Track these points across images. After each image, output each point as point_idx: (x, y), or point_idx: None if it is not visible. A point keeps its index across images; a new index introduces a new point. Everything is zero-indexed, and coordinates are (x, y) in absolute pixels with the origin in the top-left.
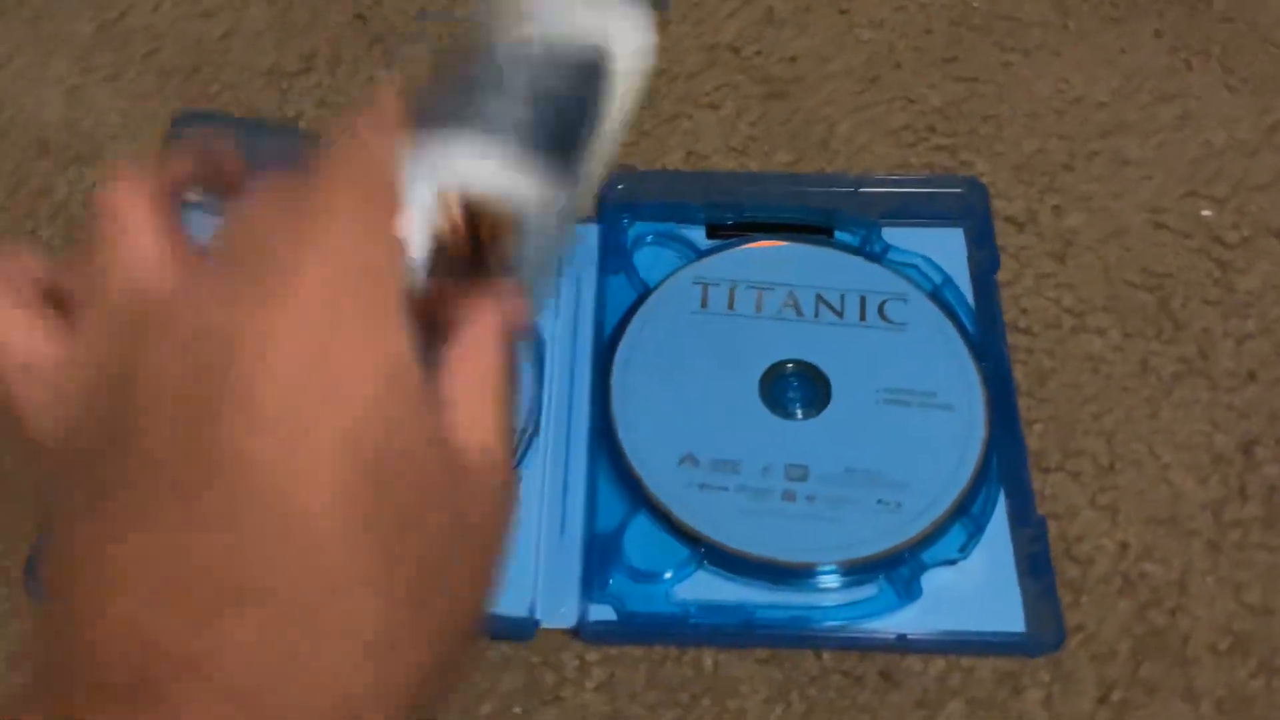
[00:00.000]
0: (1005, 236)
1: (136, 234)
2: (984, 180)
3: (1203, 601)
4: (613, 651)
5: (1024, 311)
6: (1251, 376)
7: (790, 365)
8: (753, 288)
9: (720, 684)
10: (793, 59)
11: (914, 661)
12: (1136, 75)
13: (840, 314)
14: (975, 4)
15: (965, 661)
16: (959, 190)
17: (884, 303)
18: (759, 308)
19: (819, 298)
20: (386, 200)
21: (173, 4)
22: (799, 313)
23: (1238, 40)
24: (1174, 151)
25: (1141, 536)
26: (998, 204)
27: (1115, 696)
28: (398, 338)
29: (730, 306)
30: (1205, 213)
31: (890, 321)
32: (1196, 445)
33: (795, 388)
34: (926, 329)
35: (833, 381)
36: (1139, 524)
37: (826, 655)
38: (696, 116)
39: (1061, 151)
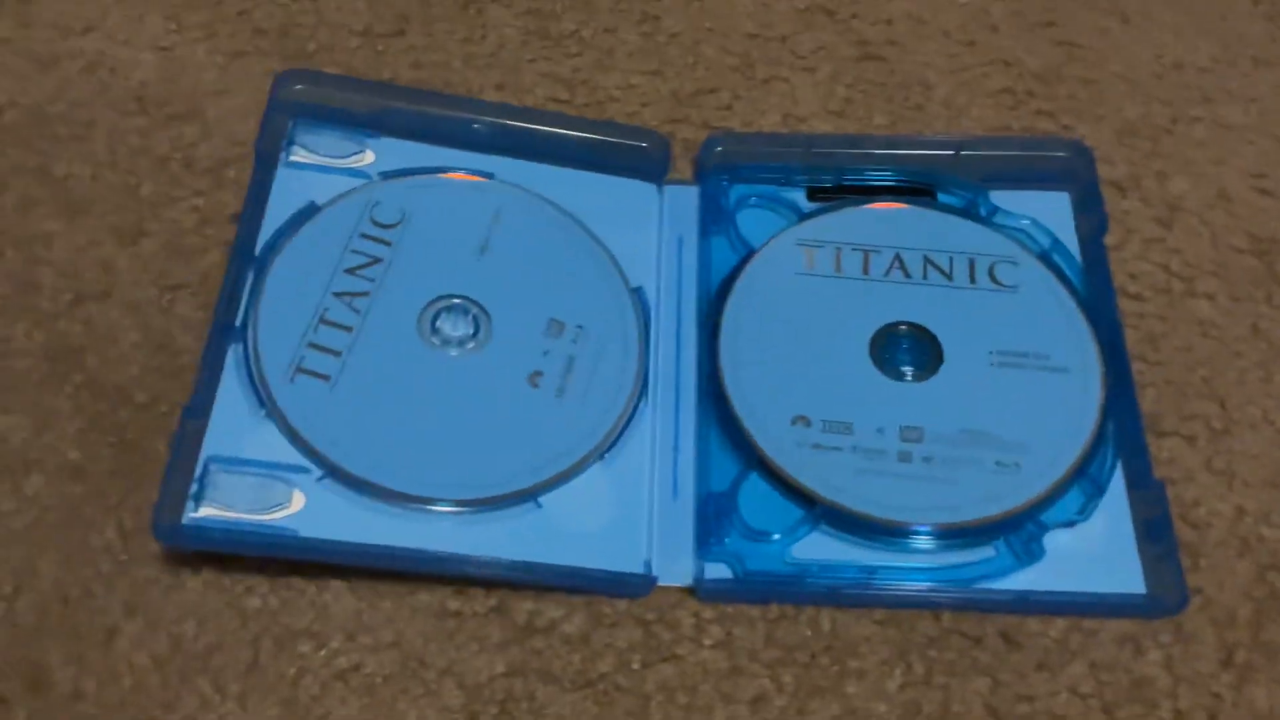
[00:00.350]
0: (1110, 202)
1: None
2: (1086, 144)
3: None
4: (729, 610)
5: (1132, 276)
6: None
7: (902, 327)
8: (858, 250)
9: (839, 644)
10: (888, 21)
11: (1034, 623)
12: (1235, 42)
13: (949, 276)
14: None
15: (1087, 623)
16: (1064, 154)
17: (993, 265)
18: (865, 270)
19: (926, 260)
20: None
21: None
22: (906, 275)
23: None
24: (1275, 118)
25: (1258, 499)
26: (1101, 169)
27: (1238, 658)
28: None
29: (837, 269)
30: None
31: (1000, 284)
32: None
33: (906, 349)
34: (1037, 291)
35: (944, 344)
36: (1255, 487)
37: (945, 617)
38: (792, 79)
39: (1163, 117)
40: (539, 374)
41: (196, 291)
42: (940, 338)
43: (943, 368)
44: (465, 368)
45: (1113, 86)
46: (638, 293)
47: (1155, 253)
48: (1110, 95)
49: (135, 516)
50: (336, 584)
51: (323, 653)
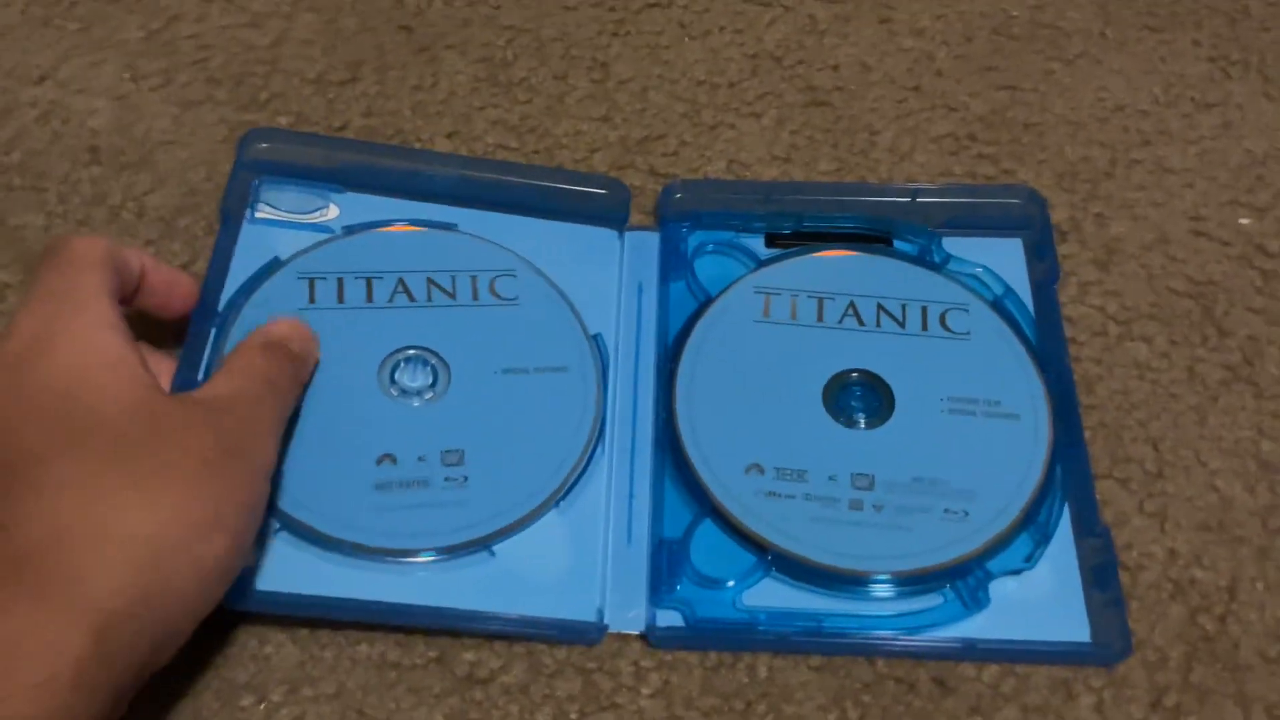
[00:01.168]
0: None
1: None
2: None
3: (1253, 607)
4: (668, 658)
5: (1070, 320)
6: None
7: (854, 375)
8: (814, 297)
9: (775, 691)
10: (835, 67)
11: (967, 667)
12: (1177, 84)
13: (902, 324)
14: (1015, 13)
15: (1020, 668)
16: (1017, 201)
17: (945, 312)
18: (820, 317)
19: (880, 307)
20: None
21: (220, 12)
22: (860, 322)
23: (1276, 49)
24: (1215, 160)
25: (1191, 543)
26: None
27: (1168, 702)
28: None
29: (793, 316)
30: (1243, 221)
31: (952, 331)
32: (1244, 452)
33: (859, 397)
34: (989, 339)
35: (896, 391)
36: (1188, 531)
37: (880, 662)
38: (739, 125)
39: (1103, 159)
40: (497, 422)
41: (148, 340)
42: (893, 385)
43: (895, 415)
44: (425, 417)
45: (1054, 130)
46: (596, 339)
47: (1093, 295)
48: (1052, 139)
49: None
50: (279, 636)
51: (263, 706)
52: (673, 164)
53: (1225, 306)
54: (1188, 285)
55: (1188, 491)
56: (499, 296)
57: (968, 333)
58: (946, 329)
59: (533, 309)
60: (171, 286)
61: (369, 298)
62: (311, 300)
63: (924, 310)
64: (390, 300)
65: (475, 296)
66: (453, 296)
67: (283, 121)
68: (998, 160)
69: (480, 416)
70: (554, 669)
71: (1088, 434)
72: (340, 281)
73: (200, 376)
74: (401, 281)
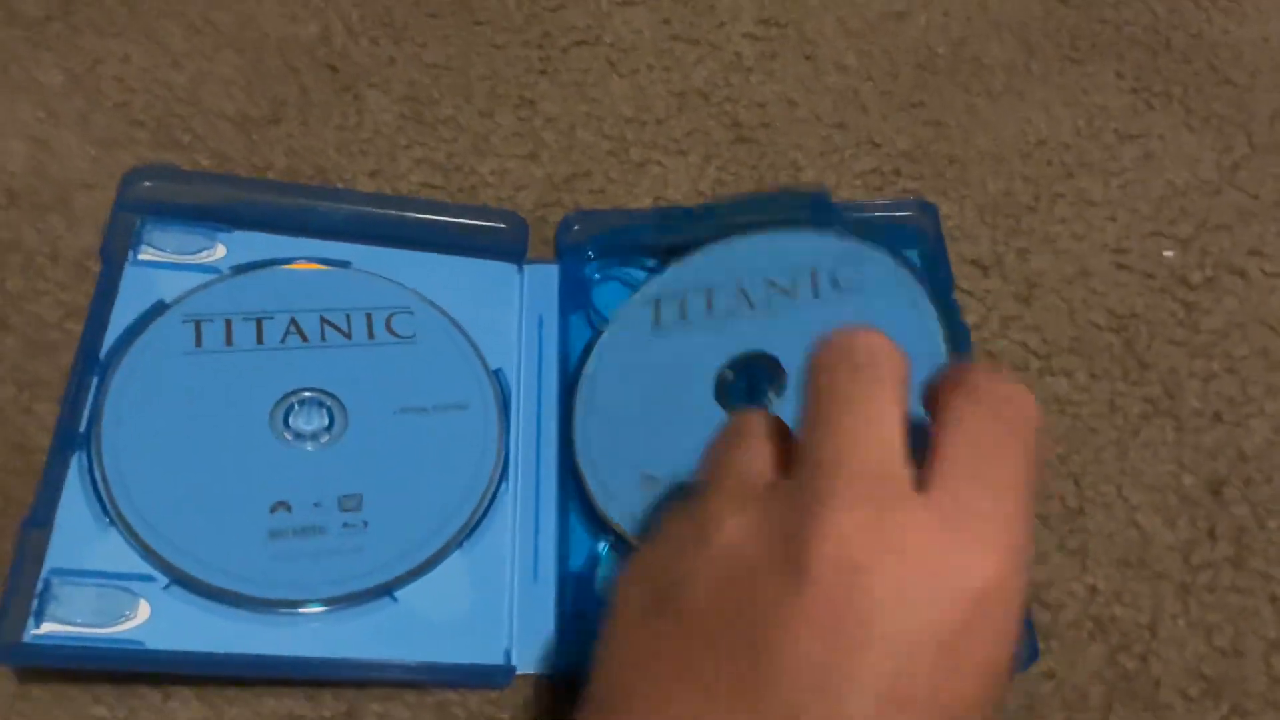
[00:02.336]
0: (971, 280)
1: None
2: (950, 223)
3: (1174, 645)
4: None
5: (991, 354)
6: (1218, 417)
7: (754, 359)
8: (700, 293)
9: None
10: (761, 104)
11: None
12: (1099, 116)
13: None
14: (939, 50)
15: None
16: (908, 213)
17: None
18: (709, 307)
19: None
20: None
21: (143, 54)
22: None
23: (1198, 81)
24: (1137, 192)
25: (1111, 580)
26: (964, 247)
27: None
28: None
29: (683, 317)
30: (1167, 253)
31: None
32: (1165, 486)
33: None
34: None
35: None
36: (1108, 567)
37: None
38: (665, 162)
39: (1026, 193)
40: (396, 464)
41: (56, 388)
42: (787, 369)
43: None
44: (320, 462)
45: (978, 164)
46: (497, 374)
47: (1014, 330)
48: (975, 173)
49: None
50: (184, 691)
51: None
52: (599, 201)
53: (1147, 339)
54: (1109, 319)
55: (1108, 527)
56: (395, 334)
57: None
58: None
59: (431, 346)
60: None
61: (259, 339)
62: (198, 344)
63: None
64: (282, 341)
65: (371, 335)
66: (348, 336)
67: (204, 162)
68: (921, 195)
69: (379, 458)
70: (465, 718)
71: None
72: (228, 323)
73: (81, 429)
74: (294, 321)
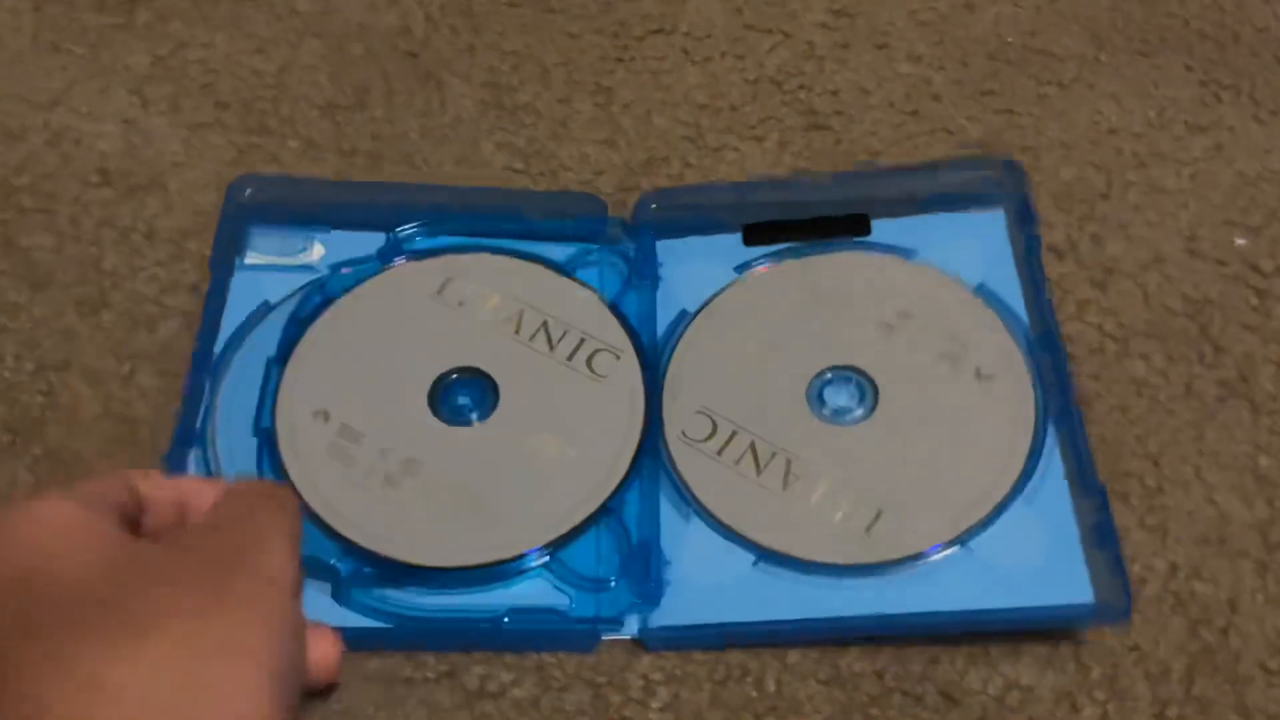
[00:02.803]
0: (1047, 265)
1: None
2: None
3: (1253, 620)
4: (677, 672)
5: (1068, 338)
6: None
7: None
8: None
9: (783, 704)
10: (834, 92)
11: (974, 680)
12: (1169, 107)
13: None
14: (1010, 39)
15: (1025, 680)
16: (994, 173)
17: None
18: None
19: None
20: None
21: (227, 39)
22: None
23: (1266, 73)
24: (1208, 181)
25: (1190, 557)
26: (1039, 232)
27: (1171, 714)
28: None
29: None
30: (1239, 241)
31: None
32: (1241, 467)
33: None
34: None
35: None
36: (1188, 544)
37: (888, 675)
38: (742, 148)
39: (1099, 181)
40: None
41: (156, 360)
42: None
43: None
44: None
45: (1050, 152)
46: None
47: (1090, 314)
48: (1047, 160)
49: None
50: None
51: None
52: (677, 185)
53: (1221, 324)
54: (1183, 304)
55: (1187, 506)
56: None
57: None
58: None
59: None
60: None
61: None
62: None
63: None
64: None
65: (552, 349)
66: (552, 347)
67: (292, 145)
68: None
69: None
70: (563, 683)
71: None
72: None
73: (198, 424)
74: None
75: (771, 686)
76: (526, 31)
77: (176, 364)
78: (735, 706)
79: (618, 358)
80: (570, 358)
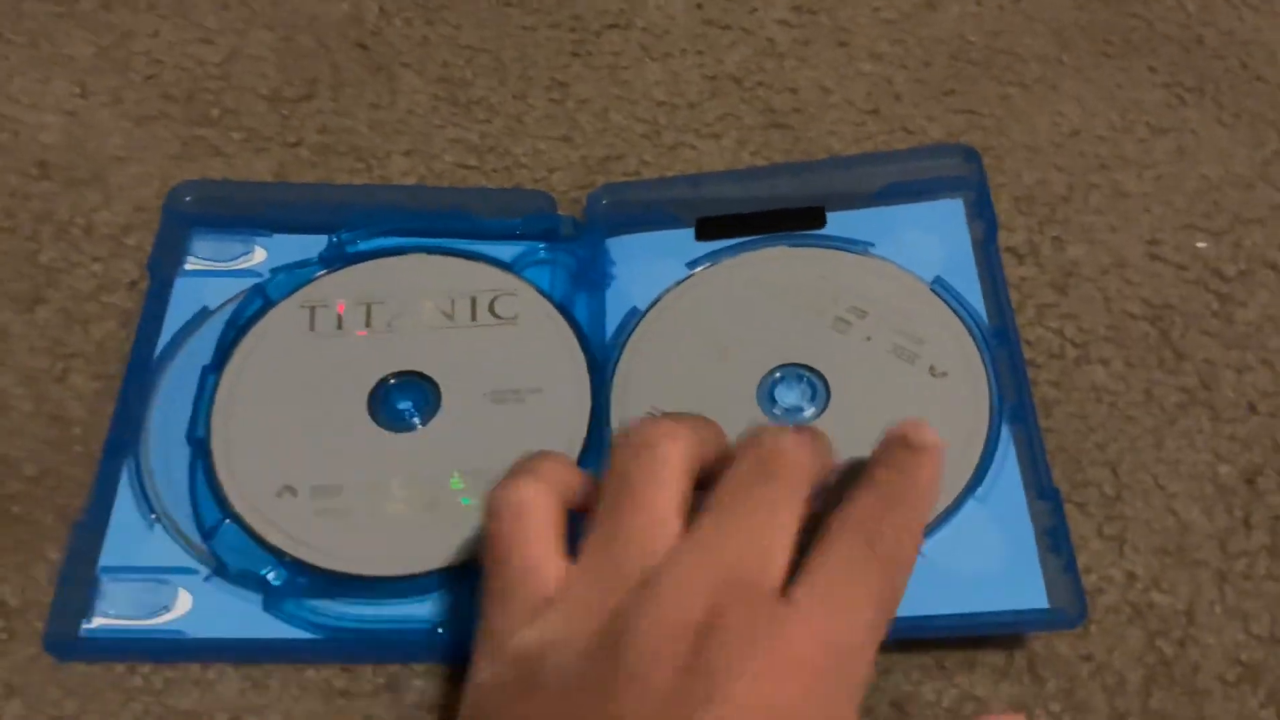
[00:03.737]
0: (1007, 268)
1: (666, 504)
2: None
3: (1211, 631)
4: None
5: (1028, 342)
6: (1252, 408)
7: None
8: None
9: None
10: (794, 90)
11: (927, 692)
12: (1133, 110)
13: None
14: (973, 39)
15: (979, 692)
16: (953, 160)
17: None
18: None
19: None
20: None
21: (173, 29)
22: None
23: (1230, 77)
24: (1171, 185)
25: (1149, 566)
26: (999, 236)
27: None
28: None
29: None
30: (1201, 245)
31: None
32: (1201, 475)
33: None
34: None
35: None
36: (1146, 554)
37: None
38: (699, 146)
39: (1061, 184)
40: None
41: (91, 360)
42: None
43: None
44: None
45: (1012, 154)
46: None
47: (1050, 319)
48: (1009, 163)
49: (20, 594)
50: (223, 663)
51: None
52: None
53: (1182, 330)
54: (1144, 308)
55: (1146, 515)
56: (495, 315)
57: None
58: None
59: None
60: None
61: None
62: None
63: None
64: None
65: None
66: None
67: (236, 137)
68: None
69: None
70: None
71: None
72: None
73: (132, 433)
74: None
75: None
76: (482, 25)
77: (112, 364)
78: None
79: (564, 359)
80: None
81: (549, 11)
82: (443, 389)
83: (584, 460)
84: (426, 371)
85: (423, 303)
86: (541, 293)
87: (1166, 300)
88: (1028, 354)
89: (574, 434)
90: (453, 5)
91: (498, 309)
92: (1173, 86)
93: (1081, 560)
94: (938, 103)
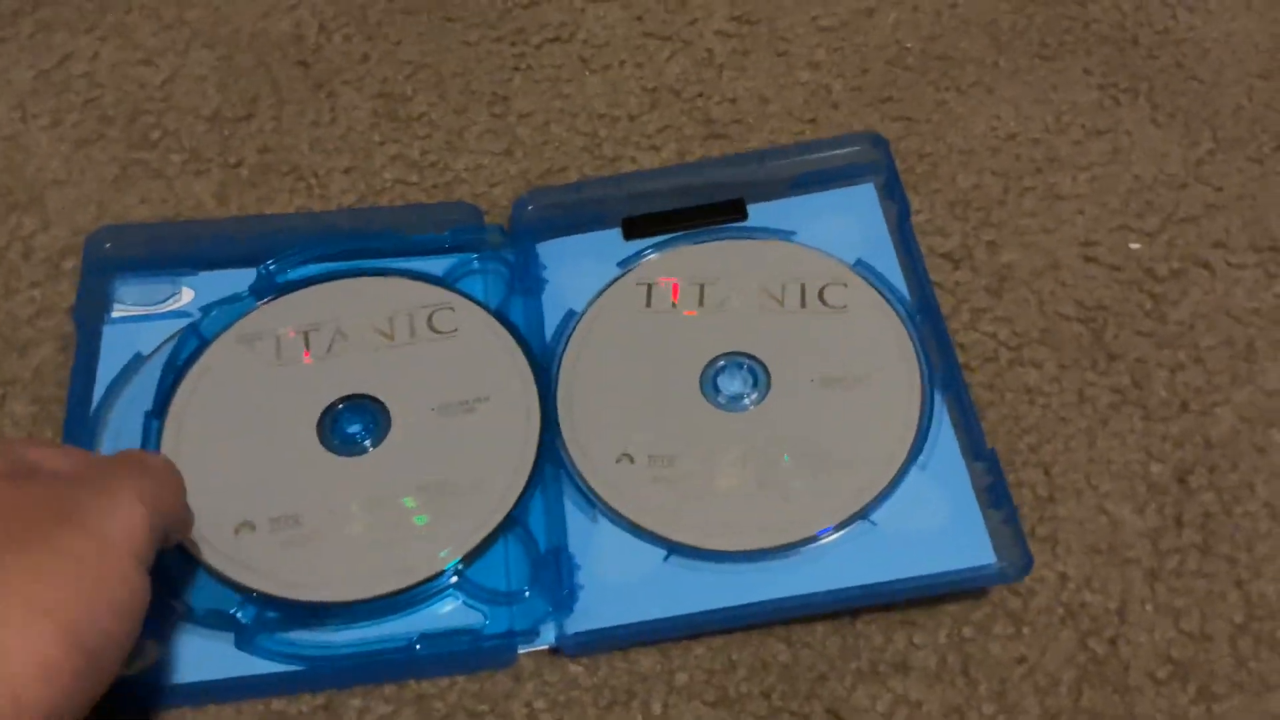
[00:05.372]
0: (942, 272)
1: None
2: (920, 217)
3: (1143, 629)
4: (560, 698)
5: (962, 346)
6: (1184, 406)
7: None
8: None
9: None
10: (733, 100)
11: (862, 698)
12: (1068, 111)
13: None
14: (909, 45)
15: (914, 695)
16: (860, 148)
17: (824, 287)
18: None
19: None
20: None
21: (112, 50)
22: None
23: (1164, 77)
24: (1105, 186)
25: (1081, 566)
26: (934, 241)
27: None
28: None
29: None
30: (1134, 246)
31: (829, 305)
32: (1133, 474)
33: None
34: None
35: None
36: (1078, 554)
37: (775, 695)
38: (639, 158)
39: (996, 187)
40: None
41: (29, 386)
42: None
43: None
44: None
45: (947, 159)
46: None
47: (984, 322)
48: (945, 168)
49: None
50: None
51: None
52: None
53: (1115, 330)
54: (1078, 310)
55: (1078, 515)
56: (437, 330)
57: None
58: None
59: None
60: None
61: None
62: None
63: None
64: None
65: (413, 334)
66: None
67: (176, 159)
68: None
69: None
70: (444, 713)
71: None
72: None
73: None
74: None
75: (658, 709)
76: (423, 39)
77: (50, 389)
78: None
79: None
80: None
81: (490, 25)
82: (390, 409)
83: (539, 461)
84: (373, 393)
85: (359, 325)
86: (477, 303)
87: (1099, 301)
88: (962, 358)
89: (526, 438)
90: (393, 21)
91: (436, 324)
92: (1107, 88)
93: None
94: (875, 110)
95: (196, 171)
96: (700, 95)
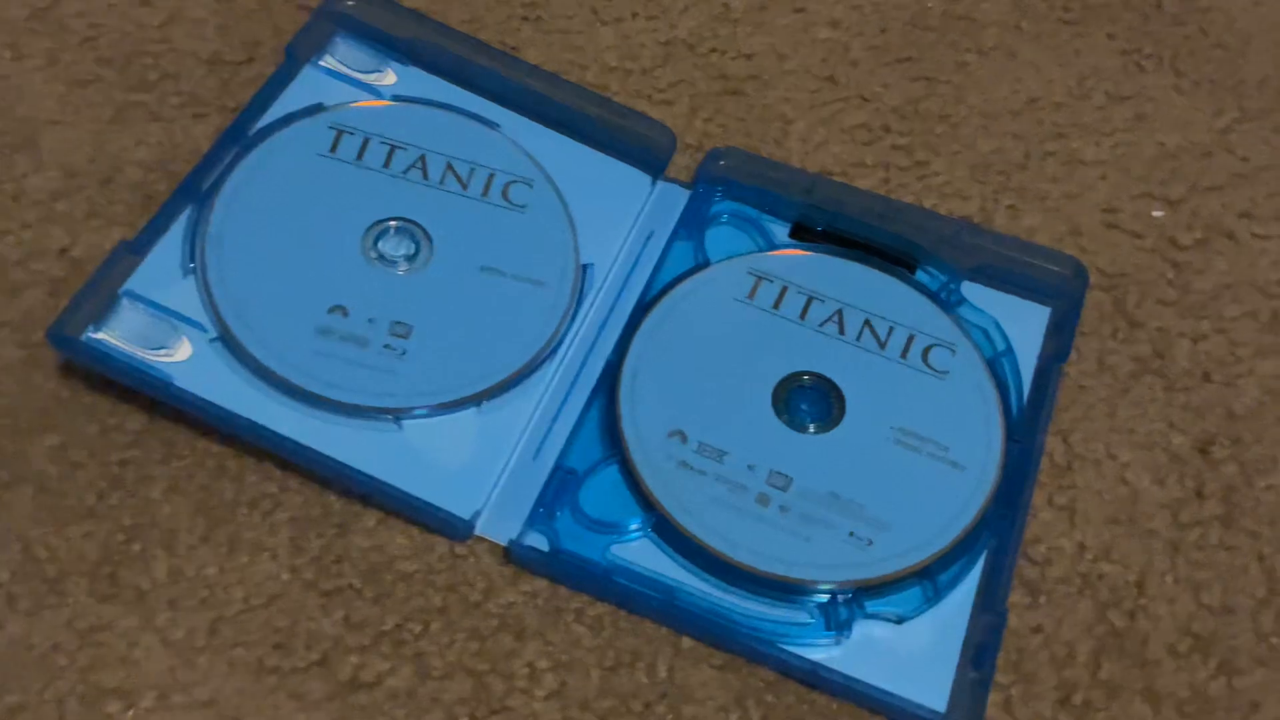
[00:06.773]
0: None
1: None
2: (940, 179)
3: (1162, 602)
4: (564, 658)
5: None
6: (1207, 377)
7: (805, 378)
8: (803, 294)
9: (675, 691)
10: (749, 56)
11: None
12: (1091, 77)
13: (883, 344)
14: (930, 4)
15: None
16: (1059, 269)
17: (930, 347)
18: (803, 315)
19: (867, 322)
20: None
21: None
22: (841, 331)
23: (1189, 44)
24: (1128, 153)
25: (1100, 537)
26: (954, 204)
27: (1076, 698)
28: None
29: (775, 306)
30: (1156, 213)
31: (931, 368)
32: (1154, 445)
33: (808, 400)
34: (965, 386)
35: (849, 403)
36: (1097, 524)
37: None
38: (652, 112)
39: (1017, 151)
40: (454, 311)
41: (18, 329)
42: (847, 396)
43: (839, 427)
44: (390, 286)
45: (968, 122)
46: (586, 268)
47: None
48: (966, 130)
49: None
50: (148, 638)
51: (131, 713)
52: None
53: (1137, 298)
54: (1099, 277)
55: (1097, 485)
56: (508, 200)
57: (947, 371)
58: (927, 364)
59: (535, 221)
60: None
61: (386, 164)
62: (332, 150)
63: (910, 338)
64: (404, 172)
65: (485, 193)
66: (465, 186)
67: (174, 101)
68: (911, 151)
69: (442, 301)
70: (443, 671)
71: None
72: (365, 142)
73: (206, 185)
74: (422, 159)
75: (663, 672)
76: None
77: (40, 334)
78: (625, 694)
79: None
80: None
81: None
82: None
83: None
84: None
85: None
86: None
87: (1121, 269)
88: None
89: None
90: None
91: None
92: (1131, 53)
93: (1031, 531)
94: (895, 70)
95: (195, 115)
96: (715, 50)
